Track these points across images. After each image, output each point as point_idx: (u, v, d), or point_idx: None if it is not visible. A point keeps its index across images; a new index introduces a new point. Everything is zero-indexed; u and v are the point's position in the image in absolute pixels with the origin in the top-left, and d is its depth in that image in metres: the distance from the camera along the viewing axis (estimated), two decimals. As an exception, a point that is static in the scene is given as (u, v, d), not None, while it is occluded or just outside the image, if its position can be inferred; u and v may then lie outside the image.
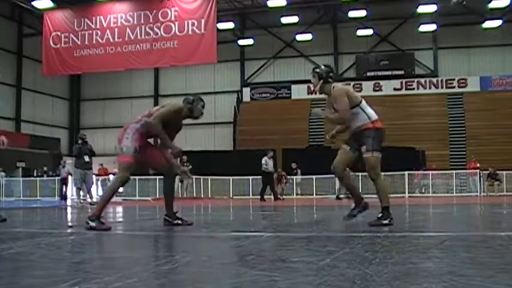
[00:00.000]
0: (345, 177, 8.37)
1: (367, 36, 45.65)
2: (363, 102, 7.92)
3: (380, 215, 7.86)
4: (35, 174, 38.76)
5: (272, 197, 26.13)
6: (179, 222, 8.34)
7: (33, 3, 37.03)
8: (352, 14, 42.88)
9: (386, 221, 7.72)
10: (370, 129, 7.80)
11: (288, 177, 31.69)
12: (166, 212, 8.47)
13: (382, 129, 7.94)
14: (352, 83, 45.90)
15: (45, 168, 38.79)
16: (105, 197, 8.14)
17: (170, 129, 8.35)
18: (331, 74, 8.03)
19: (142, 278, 3.52)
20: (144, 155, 8.14)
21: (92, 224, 7.58)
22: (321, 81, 7.98)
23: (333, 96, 7.99)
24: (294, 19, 43.35)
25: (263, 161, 25.65)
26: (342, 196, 26.43)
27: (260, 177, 26.99)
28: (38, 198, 32.63)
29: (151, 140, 8.47)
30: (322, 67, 8.04)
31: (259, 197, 26.37)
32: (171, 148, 8.26)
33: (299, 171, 33.07)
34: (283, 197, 28.31)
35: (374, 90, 45.30)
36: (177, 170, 8.46)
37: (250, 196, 32.12)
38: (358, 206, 8.46)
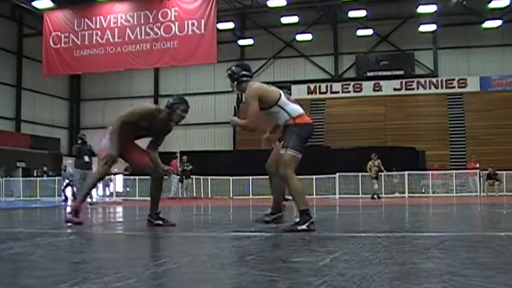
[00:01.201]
0: (277, 177, 7.67)
1: (367, 36, 45.63)
2: (282, 99, 7.28)
3: (297, 219, 7.03)
4: (35, 174, 38.75)
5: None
6: (160, 222, 8.26)
7: (33, 3, 37.02)
8: (352, 14, 42.86)
9: (303, 226, 6.84)
10: (290, 126, 7.22)
11: None
12: (149, 212, 8.42)
13: (305, 124, 7.29)
14: (352, 83, 46.01)
15: (45, 169, 38.79)
16: (84, 191, 8.48)
17: (149, 131, 8.30)
18: (243, 73, 7.47)
19: (142, 278, 3.52)
20: (128, 155, 8.15)
21: (69, 216, 7.85)
22: (235, 82, 7.49)
23: (245, 97, 7.50)
24: (294, 19, 43.34)
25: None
26: (375, 196, 26.31)
27: (260, 177, 26.91)
28: (38, 198, 32.63)
29: (138, 142, 8.47)
30: (233, 67, 7.56)
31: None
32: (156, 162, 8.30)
33: None
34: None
35: (374, 90, 45.30)
36: (161, 169, 8.35)
37: (250, 196, 32.13)
38: (273, 214, 8.08)
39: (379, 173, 27.38)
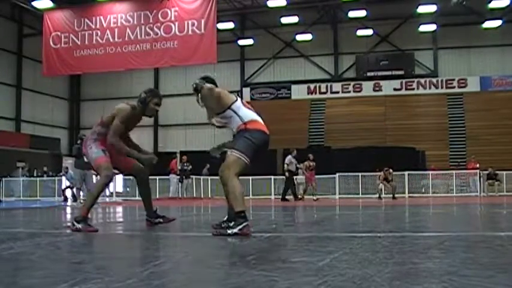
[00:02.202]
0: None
1: (367, 36, 45.58)
2: (236, 103, 7.15)
3: (232, 223, 6.76)
4: (35, 174, 38.74)
5: (292, 197, 25.73)
6: (160, 220, 8.31)
7: (33, 3, 37.01)
8: (352, 14, 42.84)
9: (235, 230, 6.52)
10: (240, 130, 7.10)
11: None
12: (146, 213, 8.43)
13: (257, 130, 7.07)
14: (352, 83, 46.00)
15: (45, 169, 38.78)
16: (91, 199, 8.09)
17: (127, 129, 8.29)
18: (207, 85, 7.29)
19: (142, 278, 3.52)
20: (114, 159, 8.14)
21: (78, 225, 7.54)
22: (199, 94, 7.35)
23: (202, 95, 7.34)
24: (294, 19, 43.33)
25: (287, 160, 25.07)
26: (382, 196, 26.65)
27: (259, 177, 26.85)
28: (38, 198, 32.64)
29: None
30: (197, 80, 7.43)
31: (280, 197, 26.09)
32: (140, 158, 8.19)
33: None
34: (317, 196, 27.46)
35: (374, 90, 45.28)
36: (144, 160, 8.28)
37: (250, 196, 32.10)
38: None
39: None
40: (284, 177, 25.73)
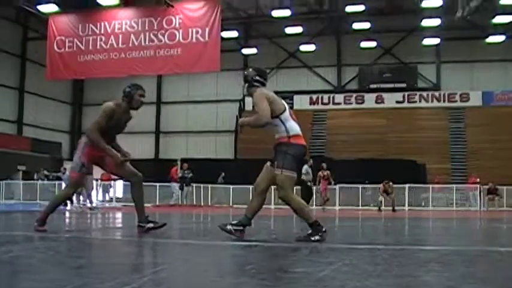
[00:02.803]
0: (255, 197, 7.60)
1: (370, 48, 45.61)
2: (285, 113, 7.23)
3: (309, 231, 7.14)
4: (35, 178, 38.73)
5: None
6: (151, 225, 8.27)
7: (38, 7, 37.05)
8: (356, 25, 42.90)
9: (316, 237, 6.99)
10: (283, 144, 7.18)
11: None
12: (137, 218, 8.41)
13: (300, 146, 7.29)
14: (354, 95, 46.01)
15: (45, 172, 38.78)
16: (48, 208, 8.40)
17: (117, 127, 8.34)
18: (257, 78, 7.41)
19: (140, 285, 3.51)
20: (103, 162, 8.25)
21: (35, 223, 8.15)
22: (247, 84, 7.46)
23: (253, 100, 7.37)
24: (298, 29, 43.37)
25: (303, 170, 24.39)
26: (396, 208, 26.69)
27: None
28: (38, 201, 32.61)
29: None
30: (250, 69, 7.56)
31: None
32: (112, 156, 8.21)
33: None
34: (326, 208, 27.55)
35: (376, 102, 45.28)
36: (116, 159, 8.30)
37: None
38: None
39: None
40: (300, 187, 25.46)
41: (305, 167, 24.40)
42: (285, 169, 7.04)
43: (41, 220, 8.14)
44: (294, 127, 7.26)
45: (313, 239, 6.93)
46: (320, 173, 26.36)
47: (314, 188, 27.15)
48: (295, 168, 7.16)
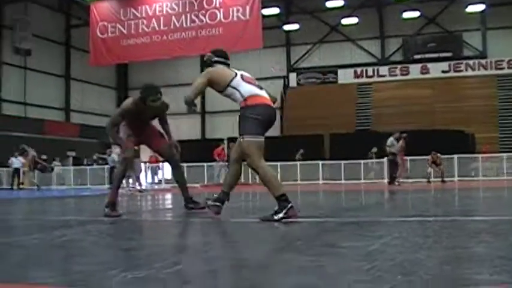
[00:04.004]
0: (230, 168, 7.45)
1: (413, 18, 44.98)
2: (235, 79, 6.94)
3: (276, 208, 6.52)
4: (84, 163, 39.29)
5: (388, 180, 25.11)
6: (192, 206, 8.52)
7: (79, -6, 37.48)
8: (398, -5, 42.39)
9: (280, 215, 6.37)
10: (241, 109, 6.88)
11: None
12: (184, 198, 8.72)
13: (259, 105, 6.84)
14: (399, 66, 45.53)
15: (94, 157, 39.27)
16: (113, 190, 8.43)
17: (143, 118, 8.53)
18: (215, 59, 7.36)
19: (191, 264, 3.54)
20: (147, 142, 8.67)
21: (106, 210, 7.96)
22: (208, 68, 7.34)
23: None
24: (339, 3, 43.05)
25: (388, 142, 23.95)
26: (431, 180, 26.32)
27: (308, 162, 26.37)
28: (88, 186, 33.10)
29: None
30: (208, 53, 7.50)
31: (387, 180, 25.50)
32: (123, 148, 8.46)
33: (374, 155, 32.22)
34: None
35: (421, 73, 44.75)
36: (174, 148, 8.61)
37: (298, 181, 32.05)
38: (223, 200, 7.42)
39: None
40: (387, 160, 24.96)
41: (390, 139, 23.88)
42: (246, 134, 6.76)
43: (111, 205, 8.09)
44: (248, 89, 6.93)
45: (276, 217, 6.35)
46: (402, 143, 25.19)
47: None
48: (261, 131, 6.81)
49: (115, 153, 25.68)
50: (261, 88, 7.07)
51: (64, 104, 47.66)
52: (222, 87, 7.00)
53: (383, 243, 4.24)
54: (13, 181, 32.67)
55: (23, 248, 4.58)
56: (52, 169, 33.94)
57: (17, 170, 32.84)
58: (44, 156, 34.37)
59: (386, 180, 27.16)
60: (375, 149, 31.74)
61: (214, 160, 30.88)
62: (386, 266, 3.26)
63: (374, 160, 31.93)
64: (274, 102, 7.17)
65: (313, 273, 3.15)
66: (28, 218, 9.07)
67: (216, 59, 7.39)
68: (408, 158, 28.95)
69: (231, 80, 6.95)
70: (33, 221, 8.33)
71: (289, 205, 6.43)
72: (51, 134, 41.81)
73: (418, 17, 44.80)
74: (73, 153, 43.05)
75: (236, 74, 7.07)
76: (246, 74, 7.15)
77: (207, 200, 7.35)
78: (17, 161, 32.82)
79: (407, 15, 44.39)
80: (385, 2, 45.96)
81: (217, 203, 7.18)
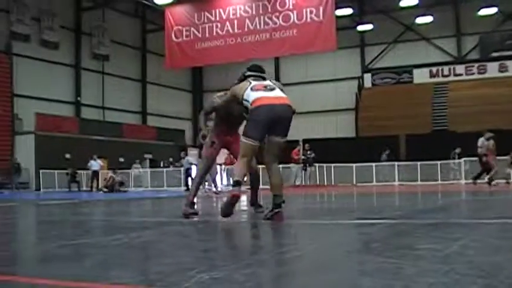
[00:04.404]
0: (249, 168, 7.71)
1: (490, 15, 44.01)
2: (246, 92, 7.11)
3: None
4: (161, 165, 39.88)
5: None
6: (257, 208, 8.76)
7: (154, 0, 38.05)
8: (474, -7, 41.51)
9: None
10: (249, 112, 7.10)
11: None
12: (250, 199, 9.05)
13: (260, 107, 6.93)
14: (476, 65, 44.64)
15: (170, 159, 39.83)
16: (192, 191, 8.64)
17: (232, 118, 8.55)
18: (247, 73, 7.59)
19: (267, 266, 3.56)
20: (231, 148, 8.76)
21: (184, 207, 8.20)
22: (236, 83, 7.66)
23: None
24: (414, 1, 42.48)
25: (479, 143, 23.47)
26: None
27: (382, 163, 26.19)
28: (165, 188, 33.59)
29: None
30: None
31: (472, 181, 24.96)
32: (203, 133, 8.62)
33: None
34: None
35: (499, 71, 43.75)
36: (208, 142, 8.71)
37: (374, 183, 31.83)
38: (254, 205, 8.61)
39: None
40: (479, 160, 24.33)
41: (481, 139, 23.31)
42: (243, 136, 7.01)
43: (190, 203, 8.32)
44: (254, 95, 7.05)
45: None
46: (492, 143, 24.45)
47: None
48: (256, 135, 6.95)
49: (190, 155, 25.98)
50: (272, 89, 7.17)
51: (141, 107, 48.59)
52: (240, 101, 7.26)
53: (461, 245, 4.17)
54: (92, 183, 33.49)
55: (103, 248, 4.69)
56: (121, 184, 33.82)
57: (95, 173, 33.65)
58: (122, 159, 35.05)
59: (463, 182, 26.60)
60: (458, 149, 31.19)
61: (291, 161, 30.93)
62: (465, 269, 3.21)
63: (456, 160, 31.35)
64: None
65: (390, 274, 3.13)
66: (107, 220, 9.28)
67: (248, 73, 7.58)
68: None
69: (243, 93, 7.16)
70: (112, 222, 8.52)
71: (236, 187, 6.94)
72: (129, 137, 42.68)
73: (495, 13, 43.76)
74: (150, 156, 43.78)
75: (248, 84, 7.26)
76: (257, 83, 7.26)
77: (279, 210, 7.22)
78: (95, 164, 33.63)
79: (483, 12, 43.41)
80: (460, 0, 45.14)
81: (277, 210, 7.09)
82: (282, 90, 7.30)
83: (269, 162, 7.22)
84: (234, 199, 6.87)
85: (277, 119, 6.91)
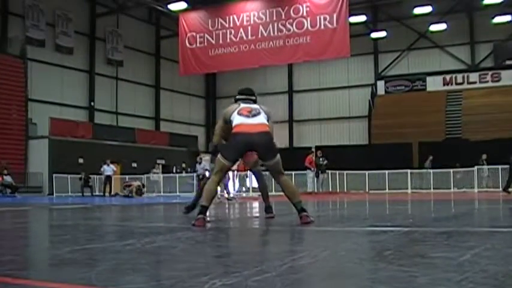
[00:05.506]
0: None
1: (504, 23, 43.83)
2: (233, 115, 7.78)
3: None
4: (173, 171, 39.93)
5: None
6: (268, 213, 9.26)
7: (169, 6, 38.15)
8: (487, 0, 41.30)
9: (193, 221, 7.47)
10: (231, 134, 7.82)
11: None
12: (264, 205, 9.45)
13: (237, 134, 7.62)
14: (490, 73, 44.51)
15: (183, 165, 39.87)
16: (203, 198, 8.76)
17: None
18: (237, 97, 8.23)
19: (280, 272, 3.56)
20: (244, 155, 8.79)
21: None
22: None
23: None
24: (427, 9, 42.47)
25: None
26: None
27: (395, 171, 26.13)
28: (178, 194, 33.60)
29: None
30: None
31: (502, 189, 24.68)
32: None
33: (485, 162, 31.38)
34: None
35: (514, 79, 43.63)
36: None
37: (387, 190, 31.75)
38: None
39: None
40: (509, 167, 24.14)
41: None
42: (220, 154, 7.73)
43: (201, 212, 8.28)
44: (237, 120, 7.70)
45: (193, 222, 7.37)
46: None
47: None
48: (230, 156, 7.66)
49: (205, 160, 25.98)
50: (255, 115, 7.76)
51: (154, 113, 48.72)
52: (228, 121, 7.91)
53: (474, 254, 4.15)
54: (105, 188, 33.57)
55: (116, 254, 4.69)
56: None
57: (108, 178, 33.72)
58: (134, 164, 35.11)
59: (476, 190, 26.43)
60: (484, 156, 31.05)
61: (305, 168, 30.90)
62: (478, 278, 3.19)
63: (484, 166, 31.11)
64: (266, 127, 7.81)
65: (404, 283, 3.12)
66: (120, 224, 9.30)
67: (238, 96, 8.21)
68: (500, 166, 28.26)
69: (230, 115, 7.85)
70: (125, 227, 8.55)
71: (203, 217, 7.42)
72: (142, 142, 42.78)
73: (510, 21, 43.59)
74: (162, 161, 43.86)
75: (236, 108, 7.88)
76: (244, 106, 7.91)
77: (303, 215, 7.57)
78: (108, 169, 33.71)
79: (498, 19, 43.23)
80: (474, 8, 45.01)
81: (301, 214, 7.57)
82: (268, 114, 7.89)
83: (277, 178, 7.92)
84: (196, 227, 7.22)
85: (252, 146, 7.63)
